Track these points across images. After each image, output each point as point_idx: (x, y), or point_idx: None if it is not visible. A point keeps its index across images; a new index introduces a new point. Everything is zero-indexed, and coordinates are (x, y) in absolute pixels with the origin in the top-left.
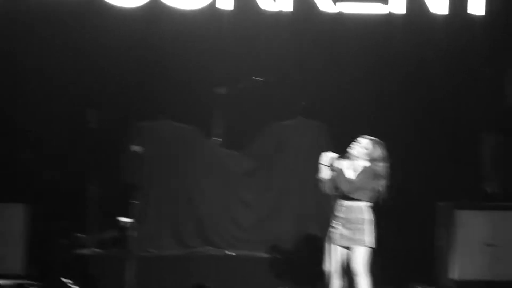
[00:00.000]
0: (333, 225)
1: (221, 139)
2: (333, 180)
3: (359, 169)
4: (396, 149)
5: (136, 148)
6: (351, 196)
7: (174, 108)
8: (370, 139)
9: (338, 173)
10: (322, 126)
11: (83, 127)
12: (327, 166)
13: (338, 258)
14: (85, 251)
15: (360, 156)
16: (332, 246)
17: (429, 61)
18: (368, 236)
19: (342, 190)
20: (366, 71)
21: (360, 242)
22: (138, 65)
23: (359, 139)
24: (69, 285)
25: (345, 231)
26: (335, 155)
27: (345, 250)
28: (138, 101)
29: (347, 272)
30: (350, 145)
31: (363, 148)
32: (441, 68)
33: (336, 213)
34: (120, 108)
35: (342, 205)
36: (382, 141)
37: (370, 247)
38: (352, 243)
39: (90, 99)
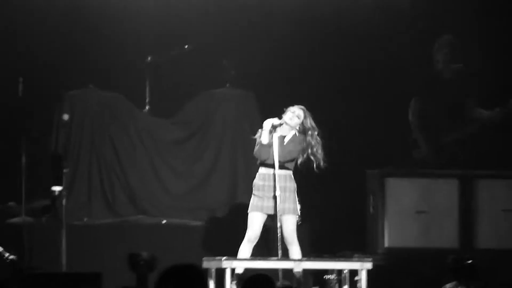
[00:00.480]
0: (259, 193)
1: (149, 107)
2: (270, 147)
3: (291, 138)
4: (325, 117)
5: (65, 116)
6: (284, 163)
7: (101, 76)
8: (302, 108)
9: (278, 140)
10: (251, 95)
11: (12, 96)
12: (268, 132)
13: (260, 226)
14: (16, 219)
15: (292, 125)
16: (257, 214)
17: (356, 27)
18: (296, 204)
19: (277, 158)
20: (293, 38)
21: (290, 211)
22: (68, 32)
23: (291, 108)
24: (2, 253)
25: (272, 200)
26: (277, 121)
27: (267, 217)
28: (67, 69)
29: (278, 240)
30: (283, 114)
31: (295, 117)
32: (368, 35)
33: (262, 182)
34: (49, 76)
35: (270, 173)
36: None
37: (297, 215)
38: (283, 212)
39: (18, 68)
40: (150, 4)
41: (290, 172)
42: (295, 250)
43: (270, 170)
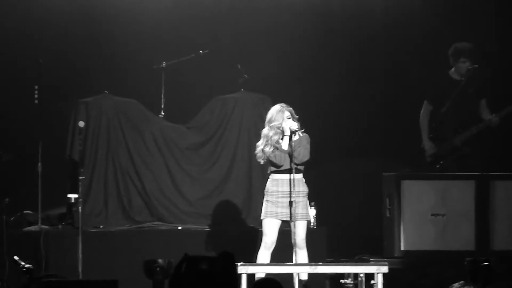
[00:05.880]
0: (272, 199)
1: (165, 113)
2: (288, 152)
3: (298, 139)
4: (340, 120)
5: (81, 123)
6: (302, 165)
7: (116, 83)
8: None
9: (301, 142)
10: (267, 98)
11: (27, 103)
12: (289, 136)
13: (276, 232)
14: (33, 228)
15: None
16: (272, 220)
17: (370, 30)
18: (307, 209)
19: (300, 160)
20: (308, 41)
21: (303, 216)
22: (82, 39)
23: (285, 108)
24: (19, 261)
25: (287, 206)
26: (295, 126)
27: (280, 223)
28: (82, 76)
29: (294, 246)
30: (288, 116)
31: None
32: (384, 37)
33: (275, 187)
34: (65, 83)
35: (284, 179)
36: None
37: (308, 221)
38: (295, 218)
39: (34, 75)
40: (164, 10)
41: (302, 176)
42: (303, 256)
43: (284, 176)
